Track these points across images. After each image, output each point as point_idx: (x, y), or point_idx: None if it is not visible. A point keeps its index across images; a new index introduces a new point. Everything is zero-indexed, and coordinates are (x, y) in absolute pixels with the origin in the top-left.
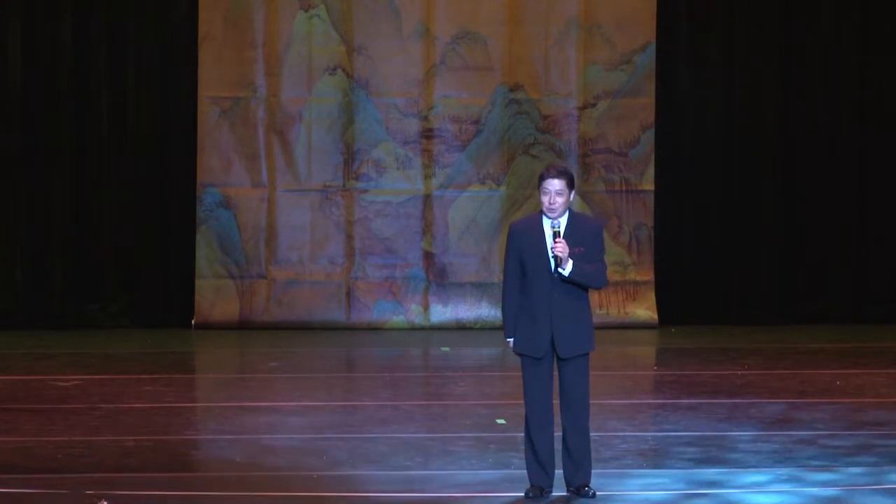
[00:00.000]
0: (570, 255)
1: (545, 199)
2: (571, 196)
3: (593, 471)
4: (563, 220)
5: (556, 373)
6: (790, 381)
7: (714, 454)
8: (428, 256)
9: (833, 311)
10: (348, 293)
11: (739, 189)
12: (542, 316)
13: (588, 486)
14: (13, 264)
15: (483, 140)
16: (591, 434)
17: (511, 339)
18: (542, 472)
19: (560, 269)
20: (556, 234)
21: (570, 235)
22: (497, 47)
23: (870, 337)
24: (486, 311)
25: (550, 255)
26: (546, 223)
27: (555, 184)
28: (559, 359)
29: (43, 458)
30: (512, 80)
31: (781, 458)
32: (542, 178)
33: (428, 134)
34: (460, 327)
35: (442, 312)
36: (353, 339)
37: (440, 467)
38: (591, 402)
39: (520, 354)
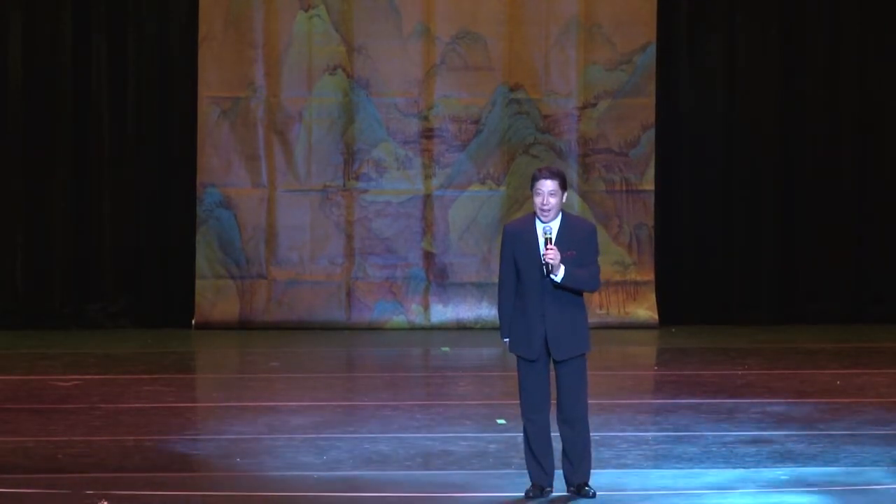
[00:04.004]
0: (563, 260)
1: (538, 200)
2: (564, 197)
3: (594, 471)
4: (556, 223)
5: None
6: (790, 381)
7: (714, 454)
8: (428, 256)
9: (833, 311)
10: (348, 293)
11: (739, 189)
12: (536, 318)
13: (588, 486)
14: (13, 264)
15: (483, 140)
16: (591, 434)
17: (507, 340)
18: (542, 471)
19: (552, 276)
20: (547, 241)
21: (562, 239)
22: (497, 47)
23: (870, 337)
24: (487, 310)
25: (542, 261)
26: (539, 226)
27: (548, 184)
28: (554, 360)
29: (43, 458)
30: (512, 80)
31: (781, 458)
32: (534, 179)
33: (428, 134)
34: (460, 327)
35: (442, 312)
36: (353, 339)
37: (440, 467)
38: (591, 402)
39: (515, 355)
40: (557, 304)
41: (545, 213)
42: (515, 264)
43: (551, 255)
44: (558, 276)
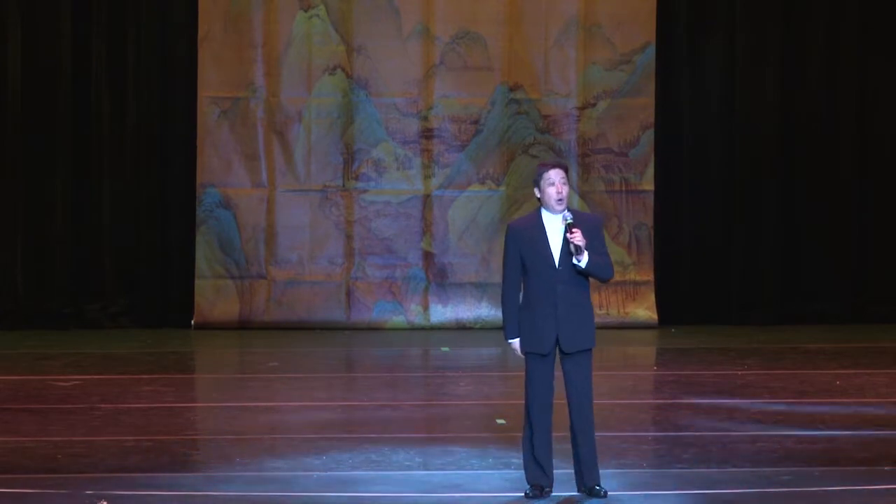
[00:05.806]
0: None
1: (552, 191)
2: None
3: None
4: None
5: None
6: (790, 381)
7: (714, 454)
8: (428, 256)
9: (833, 311)
10: (348, 293)
11: (739, 189)
12: (547, 311)
13: (599, 486)
14: (13, 264)
15: (483, 140)
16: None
17: (514, 340)
18: (541, 471)
19: (577, 260)
20: (570, 225)
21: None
22: (497, 47)
23: (870, 337)
24: (486, 310)
25: (570, 247)
26: (547, 218)
27: (559, 173)
28: (563, 354)
29: (43, 458)
30: (512, 80)
31: (781, 458)
32: (542, 173)
33: (428, 134)
34: (460, 327)
35: (442, 312)
36: (353, 339)
37: (440, 467)
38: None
39: (525, 353)
40: (568, 298)
41: (561, 203)
42: (522, 262)
43: (578, 236)
44: (583, 260)
